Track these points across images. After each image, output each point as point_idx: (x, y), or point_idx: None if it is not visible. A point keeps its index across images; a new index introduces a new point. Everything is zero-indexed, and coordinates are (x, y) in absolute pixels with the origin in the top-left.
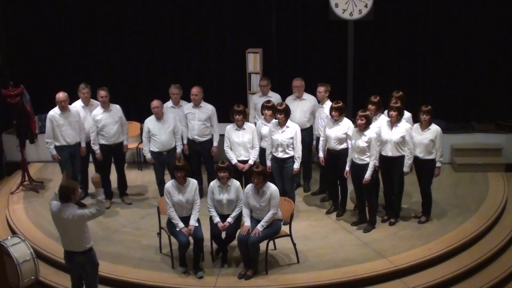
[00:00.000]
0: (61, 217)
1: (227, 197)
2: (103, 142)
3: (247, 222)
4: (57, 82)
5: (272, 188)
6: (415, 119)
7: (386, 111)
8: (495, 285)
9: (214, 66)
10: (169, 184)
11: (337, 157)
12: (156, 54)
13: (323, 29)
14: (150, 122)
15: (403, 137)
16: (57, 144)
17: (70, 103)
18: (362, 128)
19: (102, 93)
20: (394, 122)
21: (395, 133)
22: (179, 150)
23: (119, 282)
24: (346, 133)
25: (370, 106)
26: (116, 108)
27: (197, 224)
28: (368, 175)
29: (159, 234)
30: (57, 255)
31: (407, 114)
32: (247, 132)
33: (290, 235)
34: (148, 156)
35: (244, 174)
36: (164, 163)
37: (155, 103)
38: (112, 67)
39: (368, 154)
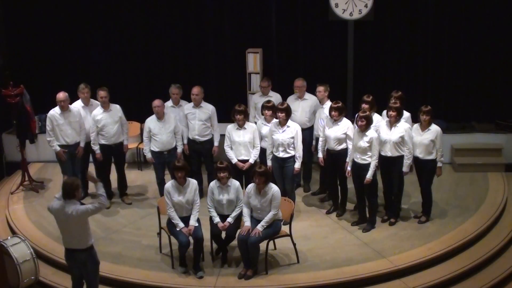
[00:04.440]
0: (64, 214)
1: (227, 197)
2: (103, 142)
3: (247, 222)
4: (57, 82)
5: (274, 189)
6: (415, 120)
7: (384, 111)
8: (495, 285)
9: (214, 66)
10: (169, 184)
11: (336, 157)
12: (156, 54)
13: (323, 29)
14: (151, 121)
15: (402, 137)
16: (57, 143)
17: (71, 103)
18: (363, 129)
19: (102, 93)
20: (393, 122)
21: (394, 133)
22: (179, 150)
23: (119, 282)
24: (345, 133)
25: (363, 105)
26: (116, 108)
27: (197, 224)
28: (370, 174)
29: (159, 234)
30: (57, 255)
31: (406, 114)
32: (248, 132)
33: (290, 235)
34: (149, 155)
35: (244, 174)
36: (165, 163)
37: (156, 102)
38: (112, 67)
39: (370, 154)
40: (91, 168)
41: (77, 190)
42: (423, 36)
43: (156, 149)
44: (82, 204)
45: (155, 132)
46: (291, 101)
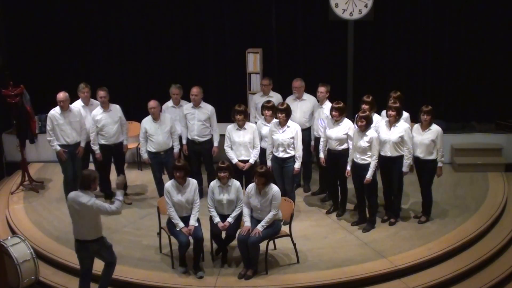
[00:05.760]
0: (79, 203)
1: (227, 197)
2: (102, 142)
3: (247, 222)
4: (57, 82)
5: (274, 189)
6: (416, 120)
7: (384, 111)
8: (495, 285)
9: (214, 66)
10: (169, 184)
11: (337, 157)
12: (156, 54)
13: (323, 29)
14: (147, 122)
15: (401, 137)
16: (58, 143)
17: (71, 103)
18: (363, 129)
19: (102, 93)
20: (392, 122)
21: (393, 133)
22: (176, 150)
23: (119, 282)
24: (346, 134)
25: (363, 106)
26: (116, 108)
27: (197, 224)
28: (369, 174)
29: (159, 234)
30: (57, 255)
31: (405, 114)
32: (248, 132)
33: (290, 235)
34: (145, 156)
35: (244, 174)
36: (162, 163)
37: (152, 103)
38: (112, 67)
39: (370, 154)
40: (91, 168)
41: (93, 182)
42: (423, 36)
43: (153, 150)
44: None
45: (151, 133)
46: (289, 101)
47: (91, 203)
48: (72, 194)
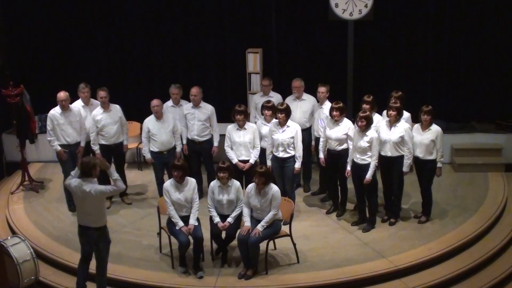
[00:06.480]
0: (82, 192)
1: (227, 198)
2: (103, 142)
3: (247, 222)
4: (57, 82)
5: (274, 189)
6: (416, 120)
7: (385, 111)
8: (495, 285)
9: (214, 66)
10: (168, 183)
11: (337, 157)
12: (156, 54)
13: (323, 29)
14: (150, 122)
15: (402, 137)
16: (58, 143)
17: (71, 103)
18: (363, 129)
19: (102, 93)
20: (393, 122)
21: (394, 133)
22: (178, 149)
23: (119, 282)
24: (346, 134)
25: (364, 106)
26: (116, 108)
27: (196, 223)
28: (369, 175)
29: (159, 234)
30: (57, 255)
31: (406, 114)
32: (248, 132)
33: (290, 235)
34: (148, 156)
35: (245, 174)
36: (164, 163)
37: (155, 102)
38: (112, 67)
39: (370, 154)
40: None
41: (94, 169)
42: (423, 36)
43: (156, 149)
44: None
45: (154, 132)
46: (289, 101)
47: (94, 190)
48: (74, 182)
